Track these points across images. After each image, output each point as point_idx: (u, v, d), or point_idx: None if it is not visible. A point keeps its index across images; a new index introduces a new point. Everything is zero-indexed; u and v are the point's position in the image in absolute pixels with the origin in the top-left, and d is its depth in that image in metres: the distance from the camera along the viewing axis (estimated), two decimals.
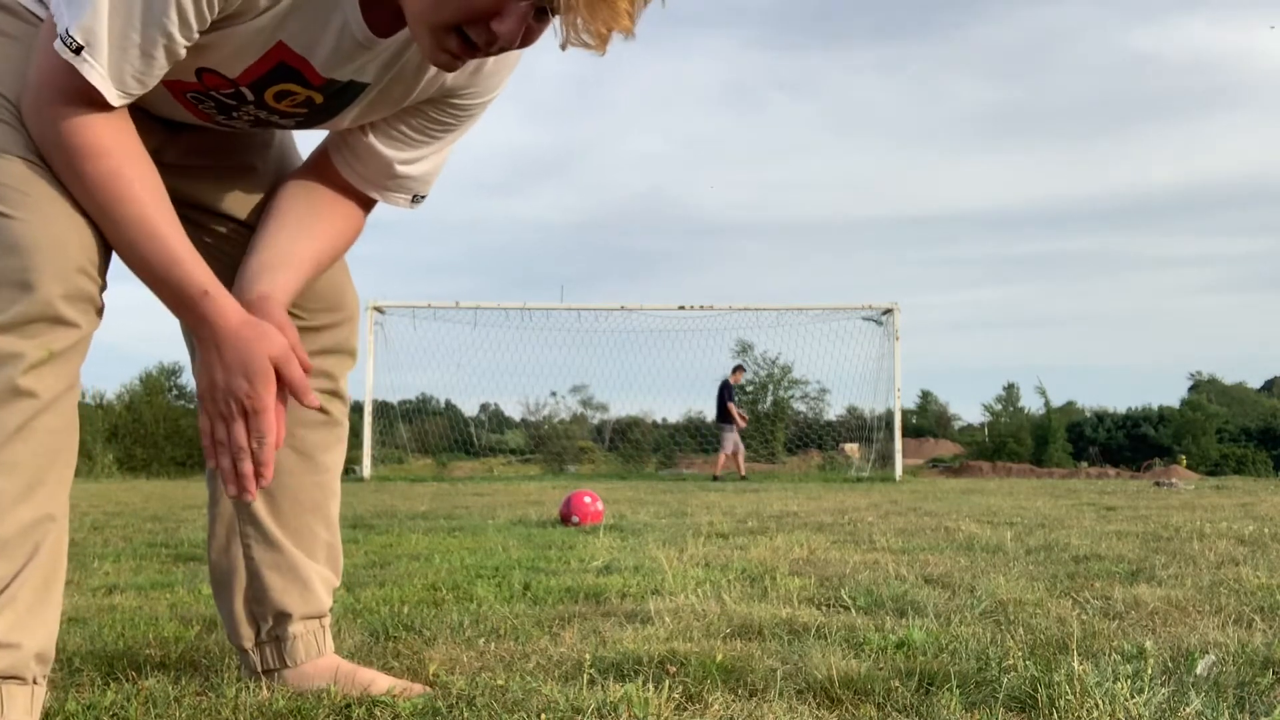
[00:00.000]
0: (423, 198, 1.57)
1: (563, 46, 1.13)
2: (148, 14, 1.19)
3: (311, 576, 1.64)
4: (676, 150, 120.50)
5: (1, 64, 1.28)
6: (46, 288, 1.22)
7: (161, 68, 1.25)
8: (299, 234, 1.48)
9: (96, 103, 1.23)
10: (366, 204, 1.55)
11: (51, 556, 1.26)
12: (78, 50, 1.19)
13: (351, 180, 1.52)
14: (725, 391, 15.78)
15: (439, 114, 1.48)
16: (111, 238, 1.29)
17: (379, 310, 15.99)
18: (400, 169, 1.51)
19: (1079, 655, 1.79)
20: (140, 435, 19.55)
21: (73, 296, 1.24)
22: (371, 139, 1.49)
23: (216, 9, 1.23)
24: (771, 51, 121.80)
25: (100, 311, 1.30)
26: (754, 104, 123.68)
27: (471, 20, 1.17)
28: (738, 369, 16.50)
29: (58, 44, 1.19)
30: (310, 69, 1.33)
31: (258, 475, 1.33)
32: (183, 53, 1.25)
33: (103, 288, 1.30)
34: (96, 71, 1.20)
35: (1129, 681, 1.57)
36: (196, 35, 1.24)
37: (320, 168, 1.54)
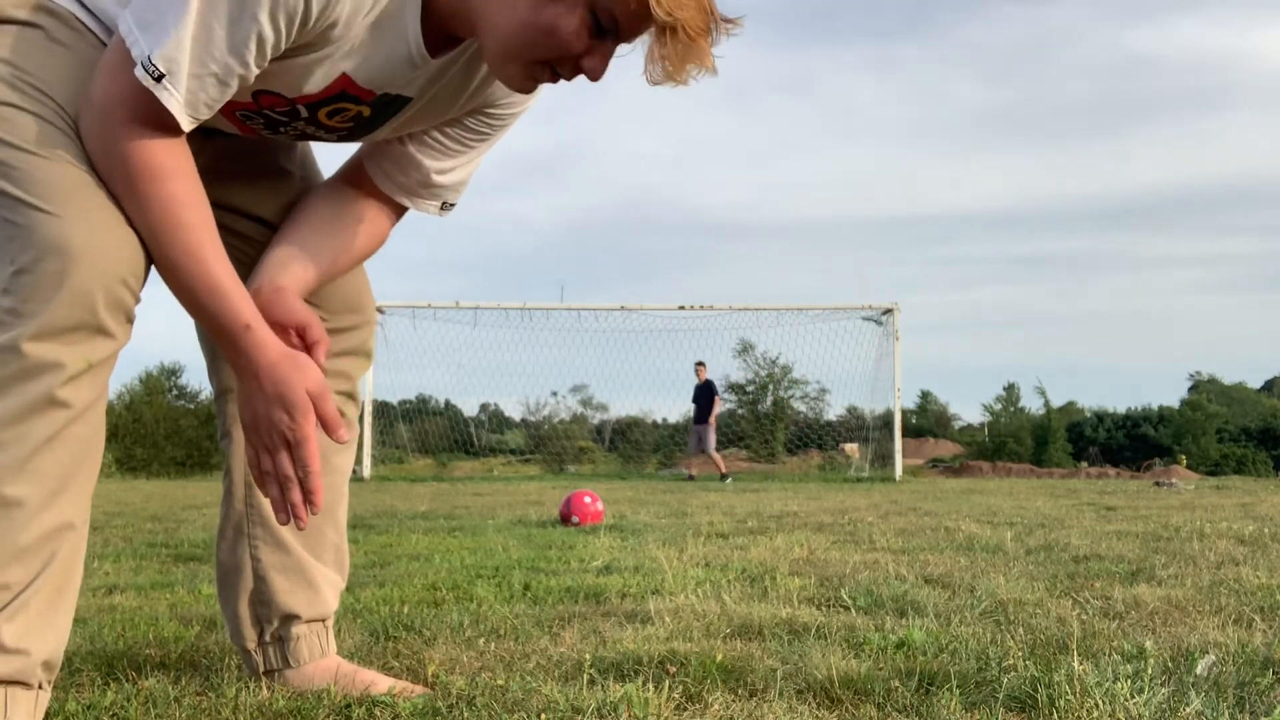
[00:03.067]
0: (452, 205, 1.60)
1: (652, 83, 1.25)
2: (231, 44, 1.22)
3: (318, 579, 1.65)
4: (676, 150, 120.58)
5: (56, 72, 1.29)
6: (91, 295, 1.23)
7: (230, 94, 1.28)
8: (321, 232, 1.52)
9: (167, 127, 1.26)
10: (395, 213, 1.58)
11: (67, 564, 1.28)
12: (159, 78, 1.21)
13: (384, 188, 1.54)
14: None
15: (476, 124, 1.52)
16: (160, 260, 1.30)
17: (379, 310, 15.94)
18: (436, 178, 1.54)
19: (1079, 655, 1.79)
20: (140, 435, 19.55)
21: (113, 306, 1.26)
22: (410, 148, 1.52)
23: (295, 39, 1.26)
24: (770, 51, 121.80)
25: (133, 323, 1.32)
26: (753, 104, 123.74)
27: (564, 60, 1.26)
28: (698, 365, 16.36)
29: (139, 71, 1.21)
30: (368, 91, 1.37)
31: (308, 503, 1.35)
32: (252, 80, 1.28)
33: (138, 300, 1.31)
34: (175, 99, 1.23)
35: (1129, 681, 1.57)
36: (267, 63, 1.27)
37: (353, 176, 1.56)
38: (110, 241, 1.26)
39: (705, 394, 15.59)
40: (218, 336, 1.34)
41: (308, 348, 1.41)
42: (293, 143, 1.63)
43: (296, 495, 1.35)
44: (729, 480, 14.10)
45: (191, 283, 1.30)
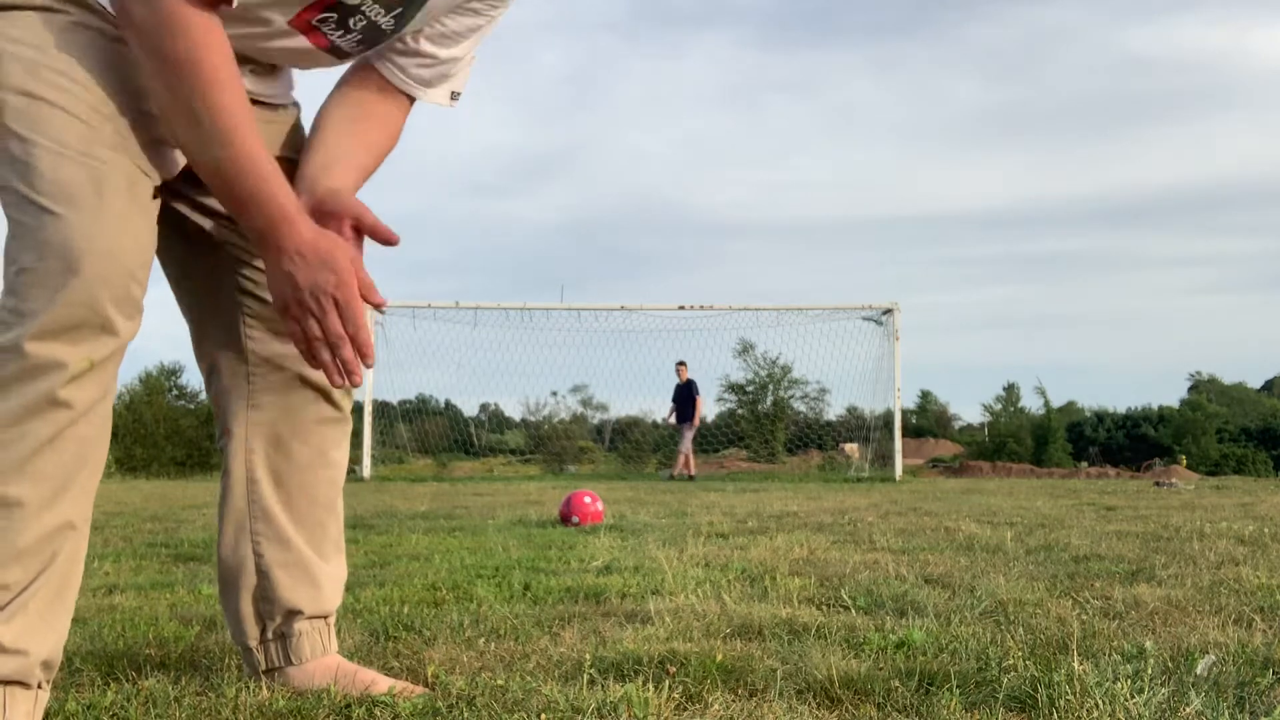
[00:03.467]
0: (459, 95, 1.64)
1: None
2: None
3: (320, 576, 1.65)
4: (676, 150, 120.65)
5: (79, 59, 1.30)
6: (94, 293, 1.24)
7: None
8: (347, 137, 1.55)
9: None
10: (405, 106, 1.61)
11: (67, 564, 1.28)
12: None
13: (397, 83, 1.58)
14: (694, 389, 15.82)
15: (481, 6, 1.56)
16: (206, 155, 1.31)
17: (379, 310, 15.96)
18: (447, 67, 1.59)
19: (1079, 655, 1.79)
20: (140, 435, 19.55)
21: (121, 301, 1.27)
22: (421, 41, 1.56)
23: None
24: (770, 51, 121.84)
25: (141, 314, 1.32)
26: (753, 104, 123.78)
27: None
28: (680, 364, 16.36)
29: None
30: None
31: (362, 356, 1.38)
32: None
33: (145, 291, 1.32)
34: None
35: (1129, 681, 1.57)
36: None
37: (360, 79, 1.59)
38: (115, 234, 1.26)
39: (686, 394, 15.62)
40: (263, 219, 1.35)
41: (363, 234, 1.45)
42: (304, 140, 1.65)
43: (349, 351, 1.37)
44: (682, 479, 14.15)
45: (238, 173, 1.32)
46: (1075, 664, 1.67)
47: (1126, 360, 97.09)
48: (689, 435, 15.63)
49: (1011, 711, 1.53)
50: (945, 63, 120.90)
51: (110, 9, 1.34)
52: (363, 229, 1.45)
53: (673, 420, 16.03)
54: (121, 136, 1.32)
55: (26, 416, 1.22)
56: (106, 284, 1.25)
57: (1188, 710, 1.48)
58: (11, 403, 1.22)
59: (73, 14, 1.32)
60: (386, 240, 1.46)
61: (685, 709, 1.53)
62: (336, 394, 1.66)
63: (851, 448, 19.26)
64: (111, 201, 1.27)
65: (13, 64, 1.27)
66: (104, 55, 1.32)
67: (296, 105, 1.67)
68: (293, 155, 1.62)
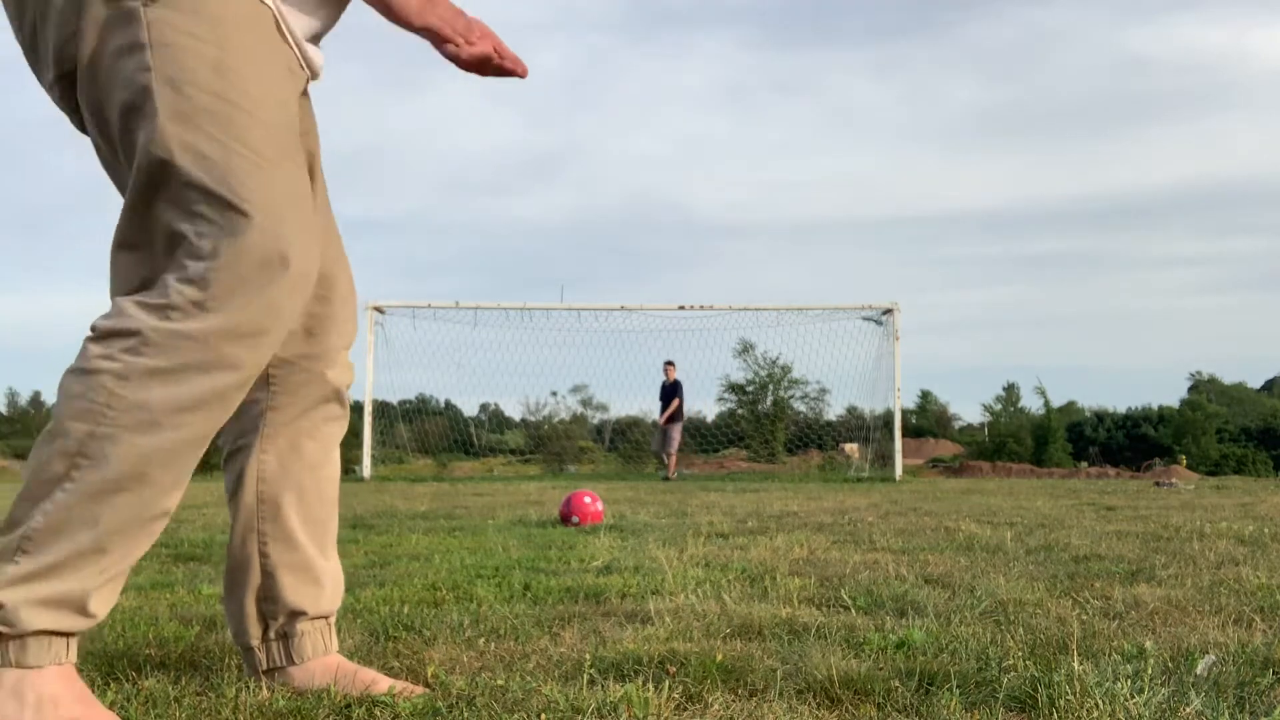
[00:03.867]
0: None
1: None
2: None
3: (323, 575, 1.66)
4: (676, 150, 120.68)
5: (263, 61, 1.33)
6: (286, 302, 1.30)
7: None
8: None
9: None
10: None
11: (146, 546, 1.35)
12: None
13: None
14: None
15: None
16: None
17: (379, 310, 15.96)
18: None
19: (1079, 655, 1.79)
20: None
21: (298, 314, 1.33)
22: None
23: None
24: (770, 51, 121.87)
25: None
26: (753, 104, 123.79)
27: None
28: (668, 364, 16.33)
29: None
30: None
31: (506, 56, 1.53)
32: None
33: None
34: None
35: (1129, 681, 1.57)
36: None
37: None
38: (311, 251, 1.32)
39: (669, 394, 15.60)
40: None
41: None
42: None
43: (501, 43, 1.52)
44: (671, 478, 14.17)
45: None
46: (1075, 664, 1.67)
47: (1126, 360, 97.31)
48: (674, 436, 15.61)
49: (1011, 711, 1.53)
50: (945, 63, 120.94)
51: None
52: (500, 53, 1.56)
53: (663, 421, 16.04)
54: (296, 146, 1.37)
55: (194, 407, 1.27)
56: (296, 295, 1.31)
57: (1188, 710, 1.48)
58: (183, 389, 1.26)
59: (242, 6, 1.34)
60: (521, 74, 1.57)
61: (685, 709, 1.53)
62: (343, 394, 1.68)
63: (851, 448, 19.25)
64: (304, 213, 1.32)
65: (198, 62, 1.29)
66: (268, 54, 1.34)
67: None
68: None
